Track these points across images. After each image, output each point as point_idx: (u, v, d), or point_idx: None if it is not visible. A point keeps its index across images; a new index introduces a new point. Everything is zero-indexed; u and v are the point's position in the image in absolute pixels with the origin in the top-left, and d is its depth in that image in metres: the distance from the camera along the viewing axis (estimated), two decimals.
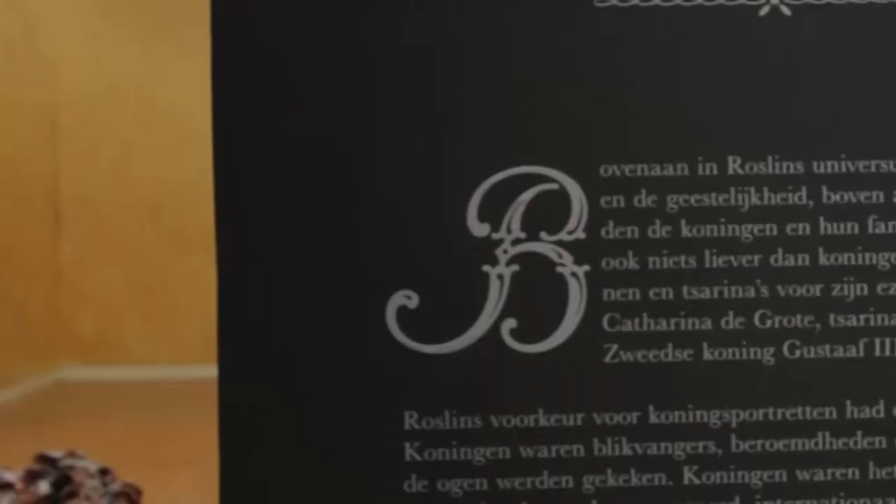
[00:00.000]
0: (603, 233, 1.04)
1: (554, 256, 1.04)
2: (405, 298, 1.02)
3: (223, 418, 1.02)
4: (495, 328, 1.03)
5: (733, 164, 1.06)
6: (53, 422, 9.49)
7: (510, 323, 1.03)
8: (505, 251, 1.03)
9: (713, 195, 1.05)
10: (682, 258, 1.05)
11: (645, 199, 1.05)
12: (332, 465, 1.02)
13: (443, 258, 1.03)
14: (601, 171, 1.05)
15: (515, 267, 1.03)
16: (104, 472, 2.83)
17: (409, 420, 1.02)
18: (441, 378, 1.03)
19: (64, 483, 2.74)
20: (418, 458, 1.03)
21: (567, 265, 1.04)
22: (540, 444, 1.04)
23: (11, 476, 2.77)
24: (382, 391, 1.02)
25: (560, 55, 1.04)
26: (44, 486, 2.73)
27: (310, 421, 1.02)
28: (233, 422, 1.02)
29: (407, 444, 1.02)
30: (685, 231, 1.05)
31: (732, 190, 1.06)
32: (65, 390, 11.07)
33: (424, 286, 1.02)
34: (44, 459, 2.81)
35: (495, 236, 1.03)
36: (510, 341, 1.03)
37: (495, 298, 1.03)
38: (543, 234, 1.04)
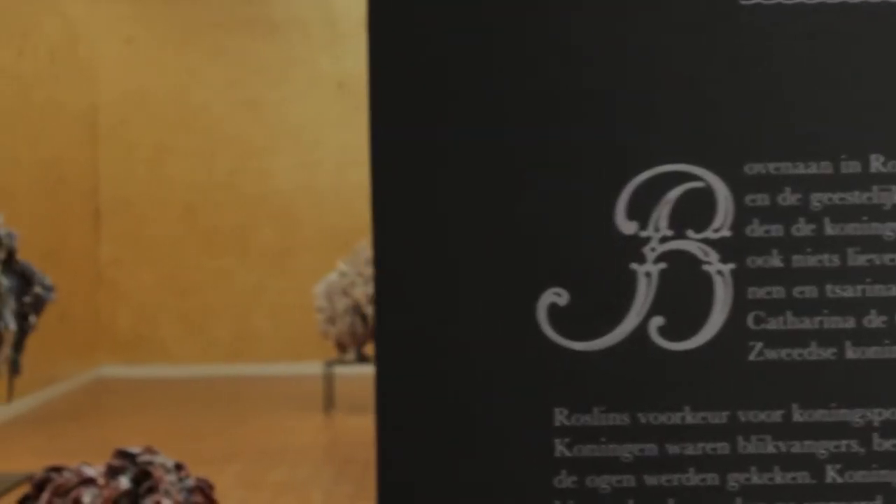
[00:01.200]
0: (748, 231, 1.05)
1: (700, 254, 1.05)
2: (555, 296, 1.03)
3: (380, 413, 1.03)
4: (643, 326, 1.04)
5: (876, 163, 1.06)
6: (95, 419, 9.54)
7: (658, 321, 1.04)
8: (653, 249, 1.04)
9: (856, 193, 1.06)
10: (826, 256, 1.06)
11: (789, 197, 1.05)
12: (483, 461, 1.03)
13: (592, 256, 1.03)
14: (746, 169, 1.05)
15: (663, 265, 1.04)
16: (179, 467, 2.86)
17: (560, 417, 1.03)
18: (590, 375, 1.03)
19: (143, 478, 2.77)
20: (568, 454, 1.03)
21: (713, 263, 1.05)
22: (686, 441, 1.05)
23: (92, 471, 2.80)
24: (533, 388, 1.03)
25: (705, 54, 1.05)
26: (124, 482, 2.76)
27: (462, 416, 1.03)
28: (388, 417, 1.03)
29: (557, 441, 1.03)
30: (829, 229, 1.06)
31: (875, 188, 1.06)
32: (104, 388, 11.13)
33: (574, 284, 1.03)
34: (123, 455, 2.84)
35: (643, 234, 1.04)
36: (657, 339, 1.04)
37: (643, 296, 1.04)
38: (690, 232, 1.05)
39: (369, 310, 9.03)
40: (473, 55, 1.03)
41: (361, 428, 8.51)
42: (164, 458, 2.85)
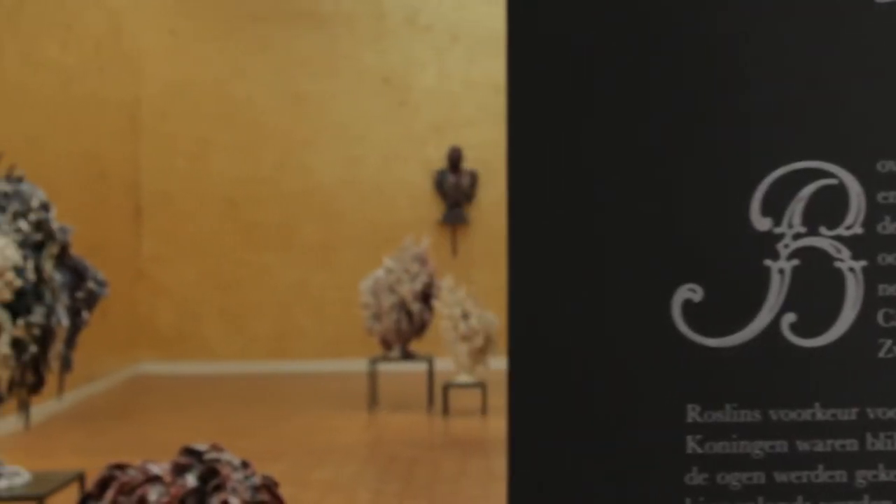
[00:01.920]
0: (879, 228, 1.05)
1: (832, 251, 1.04)
2: (690, 292, 1.03)
3: (513, 410, 1.03)
4: (776, 322, 1.04)
5: None
6: (136, 416, 9.58)
7: (790, 317, 1.04)
8: (786, 245, 1.04)
9: None
10: None
11: None
12: (615, 457, 1.03)
13: (727, 252, 1.03)
14: (878, 166, 1.05)
15: (796, 261, 1.04)
16: (245, 464, 2.86)
17: (692, 413, 1.03)
18: (723, 372, 1.03)
19: (210, 476, 2.77)
20: (699, 450, 1.03)
21: (845, 260, 1.04)
22: (815, 438, 1.04)
23: (157, 469, 2.80)
24: (667, 384, 1.03)
25: (840, 52, 1.04)
26: (191, 480, 2.77)
27: (595, 412, 1.03)
28: (522, 414, 1.03)
29: (689, 438, 1.03)
30: None
31: None
32: (144, 385, 11.17)
33: (709, 280, 1.03)
34: (189, 452, 2.85)
35: (777, 230, 1.04)
36: (789, 335, 1.04)
37: (776, 292, 1.03)
38: (823, 229, 1.04)
39: (415, 307, 9.03)
40: (612, 54, 1.03)
41: (406, 426, 8.53)
42: (231, 456, 2.86)
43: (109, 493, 2.79)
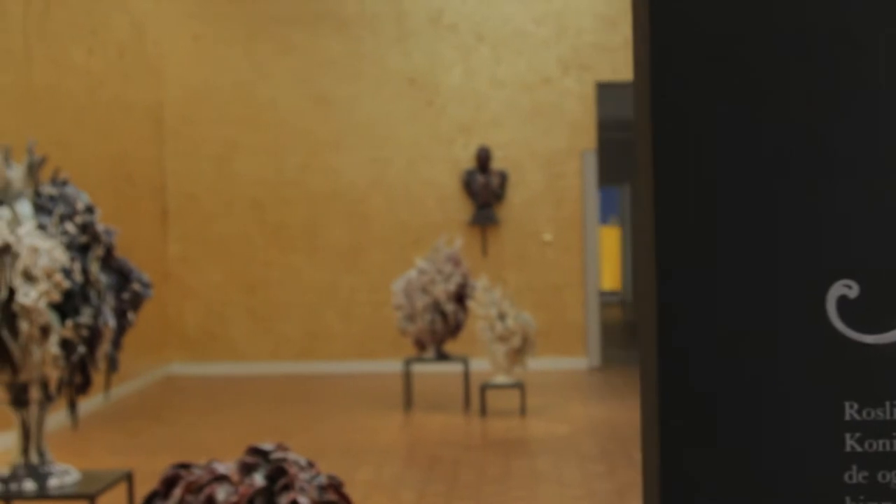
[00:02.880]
0: None
1: None
2: (846, 288, 1.01)
3: (662, 408, 1.01)
4: None
5: None
6: (168, 417, 9.60)
7: None
8: None
9: None
10: None
11: None
12: (772, 456, 1.01)
13: (883, 247, 1.02)
14: None
15: None
16: (310, 464, 2.85)
17: (850, 411, 1.01)
18: (881, 369, 1.01)
19: (277, 475, 2.76)
20: (858, 449, 1.01)
21: None
22: None
23: (223, 468, 2.80)
24: (823, 382, 1.01)
25: None
26: (259, 479, 2.76)
27: (749, 410, 1.01)
28: (671, 411, 1.02)
29: (847, 436, 1.01)
30: None
31: None
32: (174, 386, 11.20)
33: (865, 275, 1.01)
34: (256, 452, 2.84)
35: None
36: None
37: None
38: None
39: (449, 307, 9.02)
40: (755, 41, 1.02)
41: (443, 426, 8.52)
42: (297, 456, 2.85)
43: (177, 492, 2.78)
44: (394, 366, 11.17)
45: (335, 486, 2.84)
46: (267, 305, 12.07)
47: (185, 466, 2.94)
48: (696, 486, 1.02)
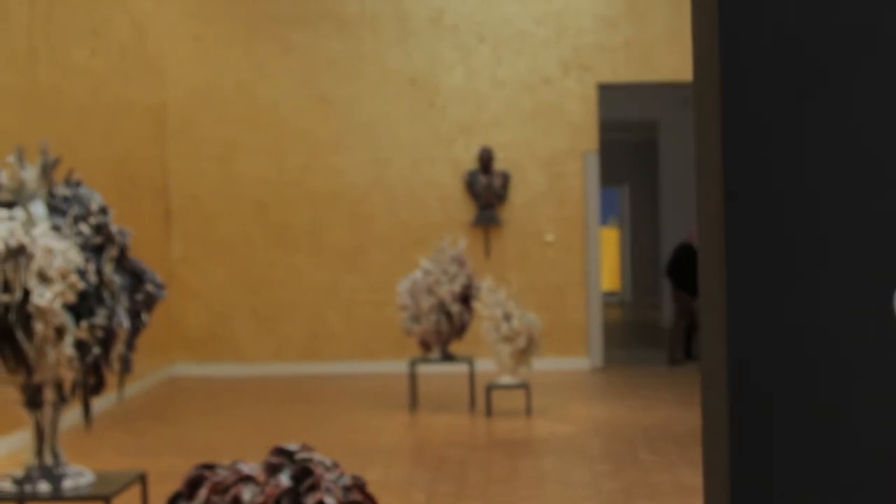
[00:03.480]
0: None
1: None
2: None
3: (733, 412, 1.03)
4: None
5: None
6: (174, 417, 9.61)
7: None
8: None
9: None
10: None
11: None
12: (841, 458, 1.03)
13: None
14: None
15: None
16: (335, 465, 2.87)
17: None
18: None
19: (303, 476, 2.78)
20: None
21: None
22: None
23: (248, 468, 2.81)
24: (892, 383, 1.03)
25: None
26: (285, 480, 2.77)
27: (819, 413, 1.03)
28: (743, 415, 1.03)
29: None
30: None
31: None
32: (178, 386, 11.20)
33: None
34: (281, 452, 2.85)
35: None
36: None
37: None
38: None
39: (454, 308, 9.02)
40: (829, 36, 1.03)
41: (449, 427, 8.53)
42: (322, 456, 2.87)
43: (202, 493, 2.80)
44: (397, 366, 11.18)
45: (359, 486, 2.86)
46: (270, 306, 12.08)
47: (208, 467, 2.95)
48: (770, 484, 1.03)
